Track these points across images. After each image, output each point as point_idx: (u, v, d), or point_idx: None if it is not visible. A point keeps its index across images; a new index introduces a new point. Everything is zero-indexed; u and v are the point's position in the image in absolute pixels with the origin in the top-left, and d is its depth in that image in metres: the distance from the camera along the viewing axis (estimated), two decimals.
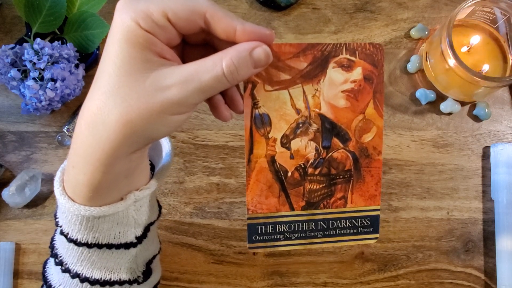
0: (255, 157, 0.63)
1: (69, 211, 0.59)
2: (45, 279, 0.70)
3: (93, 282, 0.66)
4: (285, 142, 0.63)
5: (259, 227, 0.66)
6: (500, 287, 1.04)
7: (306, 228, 0.67)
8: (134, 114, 0.52)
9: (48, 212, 1.05)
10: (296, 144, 0.64)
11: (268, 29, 0.56)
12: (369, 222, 0.68)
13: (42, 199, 1.05)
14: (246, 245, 0.67)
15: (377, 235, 0.69)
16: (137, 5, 0.52)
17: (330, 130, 0.64)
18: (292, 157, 0.64)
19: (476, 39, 1.06)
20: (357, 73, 0.63)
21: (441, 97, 1.11)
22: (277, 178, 0.64)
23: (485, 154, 1.10)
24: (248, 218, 0.65)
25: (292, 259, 1.06)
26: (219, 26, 0.54)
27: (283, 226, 0.66)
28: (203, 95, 0.54)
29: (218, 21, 0.54)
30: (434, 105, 1.11)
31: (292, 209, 0.66)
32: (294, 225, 0.66)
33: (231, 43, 0.55)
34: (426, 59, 1.09)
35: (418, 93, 1.10)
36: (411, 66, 1.11)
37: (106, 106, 0.52)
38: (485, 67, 1.06)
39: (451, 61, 0.98)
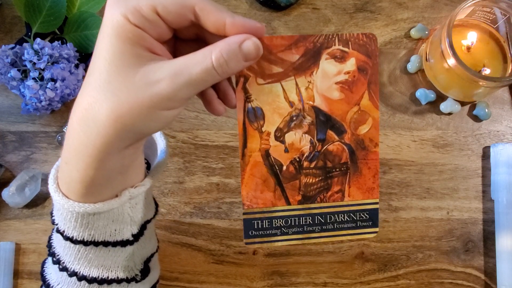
0: (249, 151, 0.63)
1: (63, 208, 0.59)
2: (43, 279, 0.70)
3: (90, 280, 0.66)
4: (279, 135, 0.63)
5: (255, 222, 0.65)
6: (500, 287, 1.03)
7: (303, 223, 0.67)
8: (124, 109, 0.52)
9: (48, 212, 1.05)
10: (290, 137, 0.64)
11: (259, 22, 0.56)
12: (368, 216, 0.68)
13: (42, 199, 1.06)
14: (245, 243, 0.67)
15: (376, 229, 0.69)
16: (127, 0, 0.52)
17: (324, 122, 0.64)
18: (286, 150, 0.64)
19: (472, 36, 1.06)
20: (350, 64, 0.63)
21: (441, 97, 1.11)
22: (272, 172, 0.64)
23: (485, 154, 1.10)
24: (244, 213, 0.65)
25: (292, 259, 1.06)
26: (208, 20, 0.54)
27: (280, 220, 0.66)
28: (193, 89, 0.54)
29: (207, 14, 0.54)
30: (434, 105, 1.11)
31: (288, 203, 0.65)
32: (291, 220, 0.66)
33: (222, 37, 0.55)
34: (426, 59, 1.09)
35: (418, 93, 1.10)
36: (411, 66, 1.11)
37: (97, 102, 0.52)
38: (485, 67, 1.05)
39: (451, 61, 0.98)
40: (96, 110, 0.52)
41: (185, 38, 0.61)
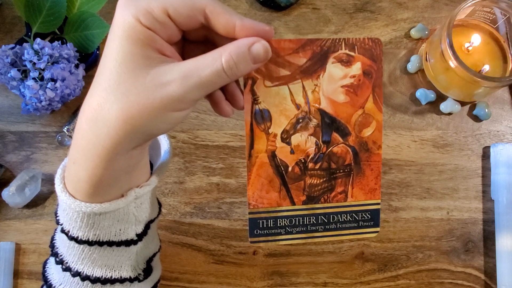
0: (255, 152, 0.63)
1: (70, 208, 0.59)
2: (45, 279, 0.70)
3: (94, 280, 0.66)
4: (285, 137, 0.63)
5: (260, 221, 0.66)
6: (500, 287, 1.04)
7: (307, 222, 0.67)
8: (134, 110, 0.52)
9: (48, 212, 1.05)
10: (296, 139, 0.64)
11: (267, 25, 0.56)
12: (369, 216, 0.69)
13: (42, 199, 1.05)
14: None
15: (377, 229, 0.69)
16: (138, 2, 0.52)
17: (330, 125, 0.64)
18: (292, 152, 0.64)
19: (476, 38, 1.06)
20: (356, 68, 0.63)
21: (441, 97, 1.11)
22: (278, 172, 0.64)
23: (485, 154, 1.10)
24: (249, 213, 0.66)
25: (292, 259, 1.06)
26: (218, 22, 0.55)
27: (284, 220, 0.66)
28: (203, 91, 0.54)
29: (217, 16, 0.54)
30: (434, 105, 1.11)
31: (293, 203, 0.66)
32: (295, 219, 0.67)
33: (231, 39, 0.56)
34: (426, 59, 1.09)
35: (418, 93, 1.10)
36: (411, 66, 1.11)
37: (107, 102, 0.52)
38: (485, 67, 1.06)
39: (451, 61, 0.98)
40: (106, 111, 0.53)
41: (194, 39, 0.61)
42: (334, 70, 0.63)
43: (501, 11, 1.04)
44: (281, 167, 0.64)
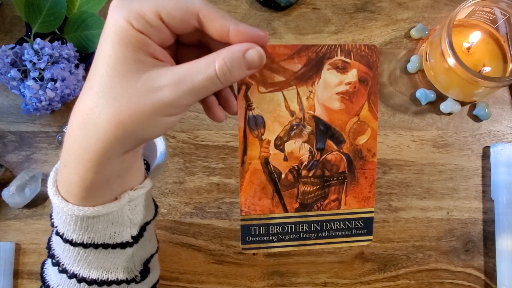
0: (248, 159, 0.63)
1: (63, 211, 0.59)
2: (43, 280, 0.70)
3: (90, 282, 0.66)
4: (279, 144, 0.63)
5: (253, 228, 0.66)
6: (500, 287, 1.04)
7: (300, 230, 0.67)
8: (125, 115, 0.52)
9: (48, 212, 1.05)
10: (290, 146, 0.64)
11: (262, 30, 0.56)
12: (362, 224, 0.68)
13: (42, 199, 1.06)
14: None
15: (370, 237, 0.69)
16: (131, 5, 0.52)
17: (324, 132, 0.64)
18: (286, 159, 0.64)
19: (476, 37, 1.06)
20: (352, 75, 0.63)
21: (441, 97, 1.11)
22: (271, 179, 0.64)
23: (485, 154, 1.10)
24: (242, 219, 0.65)
25: (292, 259, 1.06)
26: (212, 27, 0.54)
27: (277, 227, 0.66)
28: (195, 96, 0.54)
29: (211, 21, 0.54)
30: (434, 105, 1.11)
31: (286, 210, 0.66)
32: (288, 227, 0.66)
33: (225, 44, 0.55)
34: (426, 59, 1.09)
35: (418, 93, 1.10)
36: (411, 66, 1.11)
37: (98, 106, 0.52)
38: (485, 67, 1.05)
39: (451, 61, 0.98)
40: (96, 115, 0.52)
41: (188, 43, 0.61)
42: (329, 77, 0.62)
43: (501, 11, 1.03)
44: (274, 174, 0.64)
